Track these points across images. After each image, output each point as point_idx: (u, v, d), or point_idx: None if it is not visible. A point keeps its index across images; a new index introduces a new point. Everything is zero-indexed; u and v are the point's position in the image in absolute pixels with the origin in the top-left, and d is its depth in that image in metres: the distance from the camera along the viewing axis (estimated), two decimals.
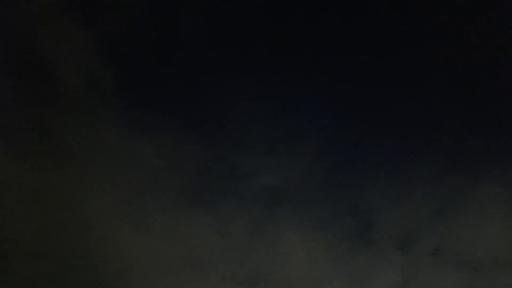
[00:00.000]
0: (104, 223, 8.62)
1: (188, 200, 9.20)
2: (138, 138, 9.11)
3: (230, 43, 9.64)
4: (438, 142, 9.71)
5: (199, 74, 9.61)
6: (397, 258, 9.25)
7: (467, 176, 9.41)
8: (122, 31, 9.17)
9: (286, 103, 9.87)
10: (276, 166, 9.68)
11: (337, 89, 9.94)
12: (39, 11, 8.79)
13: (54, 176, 8.53)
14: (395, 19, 9.76)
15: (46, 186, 8.44)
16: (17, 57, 8.66)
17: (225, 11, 9.58)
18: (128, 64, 9.32)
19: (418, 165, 9.58)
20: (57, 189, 8.52)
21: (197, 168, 9.38)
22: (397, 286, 9.27)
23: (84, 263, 8.28)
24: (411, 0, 9.84)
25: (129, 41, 9.29)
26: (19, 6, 8.66)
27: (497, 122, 9.57)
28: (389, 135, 9.77)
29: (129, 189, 8.95)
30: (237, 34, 9.62)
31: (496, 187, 9.24)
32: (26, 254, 8.03)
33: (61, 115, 8.80)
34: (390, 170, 9.67)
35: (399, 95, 9.81)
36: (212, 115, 9.66)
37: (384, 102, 9.85)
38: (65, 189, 8.58)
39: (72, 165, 8.74)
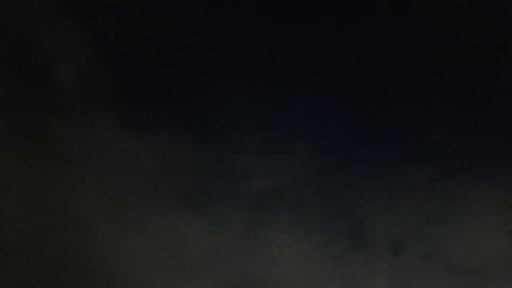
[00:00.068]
0: (96, 223, 8.65)
1: (181, 202, 9.24)
2: (133, 139, 9.14)
3: (225, 46, 9.65)
4: (432, 148, 9.71)
5: (194, 76, 9.62)
6: (389, 262, 9.26)
7: (460, 182, 9.40)
8: (119, 32, 9.20)
9: (281, 106, 9.89)
10: (270, 168, 9.70)
11: (332, 92, 9.95)
12: (37, 11, 8.81)
13: (48, 176, 8.56)
14: (393, 21, 9.73)
15: (40, 186, 8.47)
16: (14, 57, 8.69)
17: (221, 13, 9.59)
18: (125, 65, 9.35)
19: (412, 169, 9.59)
20: (51, 189, 8.55)
21: (191, 169, 9.42)
22: None
23: (76, 263, 8.31)
24: (411, 0, 9.78)
25: (126, 42, 9.31)
26: (17, 6, 8.67)
27: (491, 130, 9.54)
28: (383, 139, 9.78)
29: (122, 189, 8.98)
30: (233, 37, 9.64)
31: (488, 193, 9.24)
32: (20, 253, 8.09)
33: (57, 115, 8.83)
34: (384, 174, 9.69)
35: (394, 99, 9.80)
36: (206, 117, 9.69)
37: (379, 106, 9.86)
38: (59, 189, 8.60)
39: (66, 165, 8.77)
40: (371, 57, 9.91)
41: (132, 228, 8.91)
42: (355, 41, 9.84)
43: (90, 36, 9.07)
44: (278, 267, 9.27)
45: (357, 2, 9.81)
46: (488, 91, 9.67)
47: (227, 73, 9.63)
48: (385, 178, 9.63)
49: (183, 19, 9.44)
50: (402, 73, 9.81)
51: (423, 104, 9.85)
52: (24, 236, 8.19)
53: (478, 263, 9.09)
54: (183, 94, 9.66)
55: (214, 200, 9.43)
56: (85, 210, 8.75)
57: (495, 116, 9.62)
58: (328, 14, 9.85)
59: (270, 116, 9.79)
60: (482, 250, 9.15)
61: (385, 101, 9.81)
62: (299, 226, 9.51)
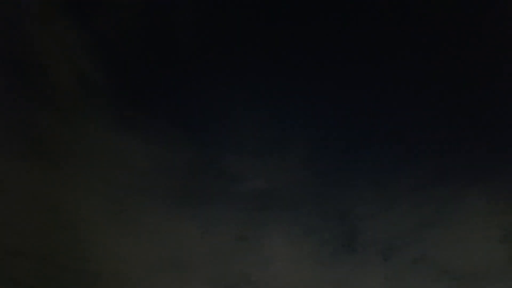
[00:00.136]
0: (93, 223, 8.69)
1: (175, 202, 9.29)
2: (131, 139, 9.16)
3: (223, 47, 9.64)
4: (427, 151, 9.74)
5: (191, 76, 9.62)
6: (381, 265, 9.32)
7: (452, 188, 9.45)
8: (116, 33, 9.18)
9: (278, 106, 9.90)
10: (266, 169, 9.74)
11: (329, 93, 9.94)
12: (37, 11, 8.78)
13: (46, 176, 8.58)
14: (393, 21, 9.68)
15: (38, 186, 8.48)
16: (14, 57, 8.68)
17: (217, 15, 9.54)
18: (123, 65, 9.36)
19: (406, 175, 9.62)
20: (49, 189, 8.56)
21: (186, 170, 9.46)
22: None
23: (72, 263, 8.36)
24: (411, 0, 9.72)
25: (124, 43, 9.31)
26: (17, 6, 8.64)
27: (487, 134, 9.55)
28: (380, 140, 9.80)
29: (120, 189, 9.03)
30: (230, 38, 9.62)
31: (479, 200, 9.29)
32: (12, 252, 8.15)
33: (55, 115, 8.85)
34: (378, 177, 9.72)
35: (392, 100, 9.80)
36: (204, 117, 9.71)
37: (378, 107, 9.86)
38: (56, 189, 8.62)
39: (65, 165, 8.79)
40: (370, 57, 9.89)
41: (128, 228, 8.95)
42: (347, 47, 9.83)
43: (85, 37, 9.08)
44: (272, 268, 9.33)
45: (357, 2, 9.75)
46: (488, 91, 9.67)
47: (224, 74, 9.63)
48: (379, 181, 9.68)
49: (179, 23, 9.44)
50: (401, 74, 9.80)
51: (422, 105, 9.85)
52: (14, 235, 8.22)
53: (469, 268, 9.17)
54: (180, 95, 9.67)
55: (210, 200, 9.49)
56: (82, 210, 8.77)
57: (493, 118, 9.63)
58: (328, 14, 9.81)
59: (268, 116, 9.81)
60: (472, 255, 9.22)
61: (383, 102, 9.83)
62: (293, 227, 9.57)
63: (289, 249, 9.49)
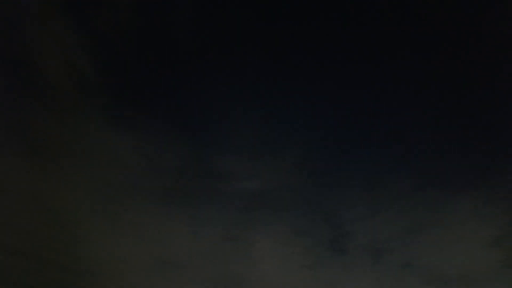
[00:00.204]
0: (80, 221, 8.75)
1: (165, 201, 9.31)
2: (127, 138, 9.20)
3: (217, 48, 9.62)
4: (419, 158, 9.75)
5: (185, 76, 9.63)
6: (369, 268, 9.34)
7: (441, 192, 9.47)
8: (116, 33, 9.18)
9: (276, 108, 9.90)
10: (257, 170, 9.75)
11: (327, 95, 9.94)
12: (36, 11, 8.79)
13: (41, 175, 8.60)
14: (393, 21, 9.59)
15: (33, 186, 8.51)
16: (13, 58, 8.70)
17: (217, 15, 9.51)
18: (120, 65, 9.36)
19: (397, 179, 9.64)
20: (44, 189, 8.58)
21: (177, 168, 9.49)
22: None
23: (58, 260, 8.41)
24: (411, 0, 9.62)
25: (121, 43, 9.31)
26: (14, 5, 8.65)
27: (471, 145, 9.51)
28: (371, 147, 9.81)
29: (113, 189, 9.05)
30: (228, 39, 9.59)
31: (468, 205, 9.32)
32: (12, 252, 8.19)
33: (51, 114, 8.87)
34: (370, 181, 9.76)
35: (383, 109, 9.78)
36: (200, 118, 9.72)
37: (367, 114, 9.85)
38: (51, 189, 8.65)
39: (60, 164, 8.81)
40: (370, 57, 9.85)
41: (119, 228, 8.96)
42: (343, 49, 9.78)
43: (89, 37, 9.10)
44: (260, 269, 9.35)
45: (357, 2, 9.66)
46: (488, 91, 9.61)
47: (223, 74, 9.63)
48: (370, 185, 9.72)
49: (180, 20, 9.44)
50: (401, 74, 9.75)
51: (421, 105, 9.83)
52: (4, 233, 8.26)
53: (456, 272, 9.19)
54: (178, 95, 9.67)
55: (198, 200, 9.51)
56: (77, 209, 8.84)
57: (493, 118, 9.58)
58: (328, 14, 9.74)
59: (266, 117, 9.81)
60: (460, 260, 9.25)
61: (383, 102, 9.83)
62: (282, 229, 9.60)
63: (278, 250, 9.51)
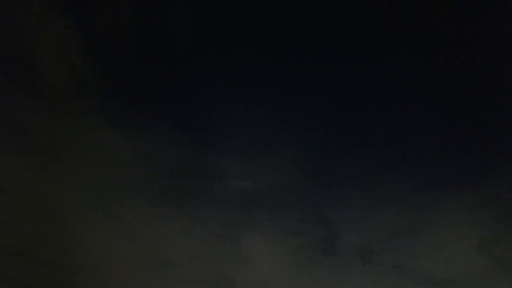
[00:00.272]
0: (79, 221, 8.69)
1: (164, 201, 9.33)
2: (126, 138, 9.20)
3: (217, 48, 9.65)
4: (413, 158, 9.80)
5: (184, 76, 9.66)
6: (359, 270, 9.40)
7: (434, 196, 9.56)
8: (116, 33, 9.18)
9: (276, 108, 9.92)
10: (255, 170, 9.80)
11: (327, 95, 9.95)
12: (34, 11, 8.78)
13: (41, 175, 8.58)
14: (393, 21, 9.66)
15: (32, 186, 8.49)
16: (10, 57, 8.68)
17: (217, 15, 9.53)
18: (119, 65, 9.37)
19: (390, 181, 9.69)
20: (44, 189, 8.57)
21: (176, 168, 9.52)
22: None
23: (57, 260, 8.35)
24: (411, 0, 9.70)
25: (121, 43, 9.31)
26: (14, 5, 8.64)
27: (466, 148, 9.59)
28: (366, 149, 9.86)
29: (107, 186, 9.02)
30: (224, 39, 9.61)
31: (460, 209, 9.40)
32: (12, 252, 8.10)
33: (51, 114, 8.85)
34: (363, 183, 9.81)
35: (381, 109, 9.84)
36: (199, 118, 9.75)
37: (366, 114, 9.91)
38: (50, 189, 8.63)
39: (60, 164, 8.80)
40: (370, 57, 9.87)
41: (118, 228, 8.91)
42: (355, 41, 9.79)
43: (89, 37, 9.10)
44: (251, 269, 9.35)
45: (357, 2, 9.72)
46: (488, 91, 9.66)
47: (223, 74, 9.63)
48: (364, 187, 9.78)
49: (180, 20, 9.45)
50: (401, 74, 9.78)
51: (419, 106, 9.85)
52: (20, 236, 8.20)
53: (445, 275, 9.20)
54: (177, 95, 9.68)
55: (192, 199, 9.50)
56: (73, 208, 8.79)
57: (493, 119, 9.63)
58: (328, 14, 9.78)
59: (266, 117, 9.81)
60: (449, 263, 9.31)
61: (383, 102, 9.86)
62: (274, 229, 9.62)
63: (268, 251, 9.50)
